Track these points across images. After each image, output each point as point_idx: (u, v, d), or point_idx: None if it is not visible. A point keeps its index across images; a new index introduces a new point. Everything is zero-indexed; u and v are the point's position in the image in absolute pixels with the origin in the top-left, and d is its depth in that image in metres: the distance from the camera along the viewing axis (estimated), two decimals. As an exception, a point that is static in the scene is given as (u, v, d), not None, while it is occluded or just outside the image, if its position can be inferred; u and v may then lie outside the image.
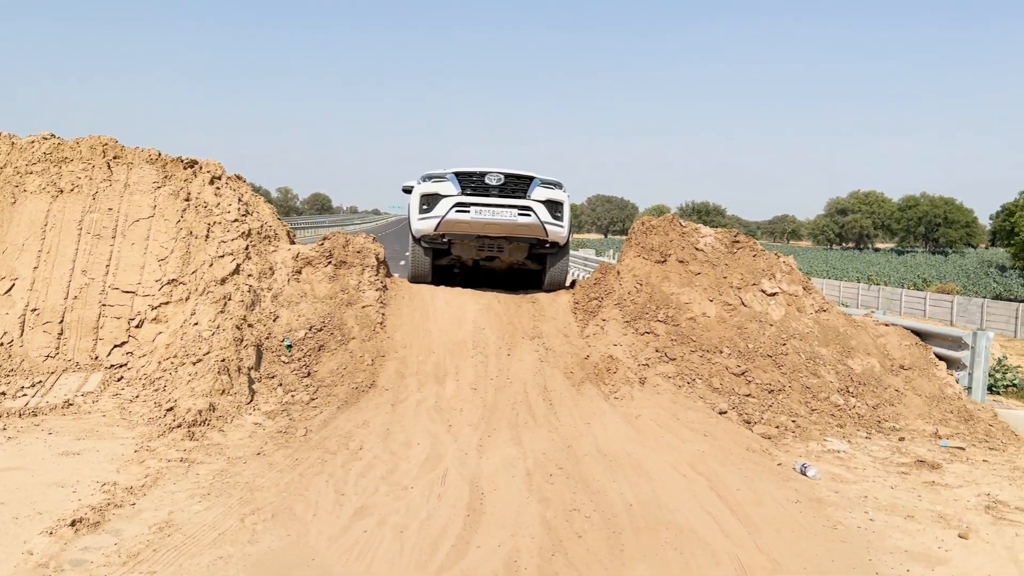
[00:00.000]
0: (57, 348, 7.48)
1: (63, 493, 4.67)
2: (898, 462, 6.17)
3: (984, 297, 35.97)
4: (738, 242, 9.48)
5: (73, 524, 4.16)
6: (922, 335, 8.71)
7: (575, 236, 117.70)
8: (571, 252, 14.16)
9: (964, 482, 5.75)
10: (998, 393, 11.43)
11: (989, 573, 4.18)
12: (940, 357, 8.44)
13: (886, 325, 8.94)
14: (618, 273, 9.34)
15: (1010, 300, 35.25)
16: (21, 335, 7.49)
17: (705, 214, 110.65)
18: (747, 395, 7.48)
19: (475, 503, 4.71)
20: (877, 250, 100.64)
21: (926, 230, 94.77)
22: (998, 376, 11.93)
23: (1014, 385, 12.00)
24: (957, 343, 8.21)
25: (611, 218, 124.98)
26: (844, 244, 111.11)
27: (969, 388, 8.08)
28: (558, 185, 9.74)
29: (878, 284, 42.17)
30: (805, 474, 5.71)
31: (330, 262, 8.77)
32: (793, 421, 7.06)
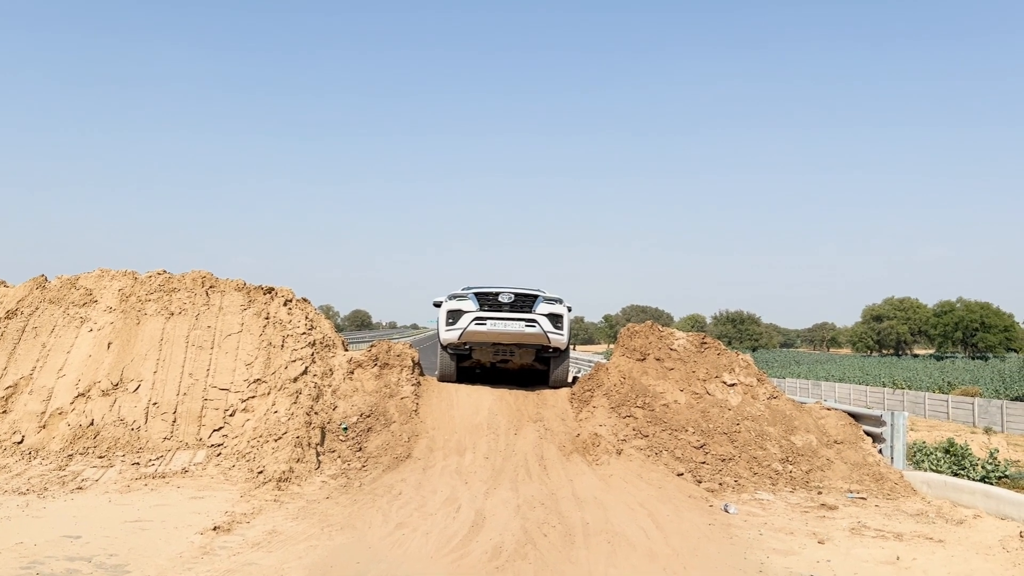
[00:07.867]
0: (172, 432, 9.83)
1: (200, 517, 6.90)
2: (805, 506, 8.10)
3: (1004, 399, 36.82)
4: (706, 343, 11.66)
5: (215, 529, 6.40)
6: (855, 416, 10.64)
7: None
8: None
9: (848, 516, 7.67)
10: (990, 483, 12.85)
11: (825, 558, 6.13)
12: (869, 434, 10.34)
13: (828, 409, 10.91)
14: (607, 369, 11.53)
15: (1030, 401, 36.02)
16: (146, 422, 9.88)
17: (740, 323, 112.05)
18: (703, 463, 9.47)
19: (478, 521, 6.82)
20: (916, 356, 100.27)
21: (964, 335, 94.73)
22: (990, 468, 13.42)
23: (1006, 476, 13.45)
24: (878, 422, 10.13)
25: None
26: (883, 351, 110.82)
27: (892, 458, 9.94)
28: (559, 301, 12.09)
29: (902, 388, 43.18)
30: (727, 511, 7.69)
31: (376, 364, 11.15)
32: (736, 481, 9.02)
